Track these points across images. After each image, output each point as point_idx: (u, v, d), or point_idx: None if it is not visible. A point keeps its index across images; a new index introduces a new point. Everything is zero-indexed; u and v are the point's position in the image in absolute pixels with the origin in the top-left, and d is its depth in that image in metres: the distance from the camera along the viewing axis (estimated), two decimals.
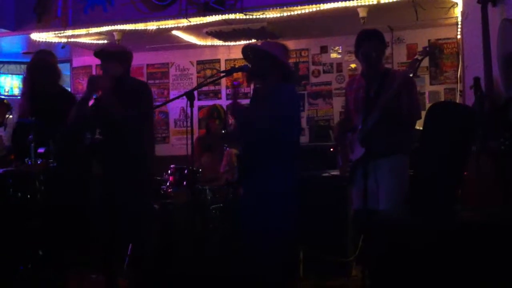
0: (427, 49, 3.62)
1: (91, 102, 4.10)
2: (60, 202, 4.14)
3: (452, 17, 5.66)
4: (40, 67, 4.53)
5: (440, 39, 6.40)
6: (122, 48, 4.31)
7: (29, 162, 4.17)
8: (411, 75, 3.52)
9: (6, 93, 8.19)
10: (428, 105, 6.17)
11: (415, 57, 3.59)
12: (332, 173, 4.88)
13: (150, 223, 4.35)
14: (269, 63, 3.63)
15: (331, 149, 5.16)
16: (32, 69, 4.56)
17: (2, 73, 8.46)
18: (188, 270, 4.13)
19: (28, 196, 4.06)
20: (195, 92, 3.59)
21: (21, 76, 8.46)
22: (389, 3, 5.24)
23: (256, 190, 3.59)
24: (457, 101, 5.75)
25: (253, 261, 3.50)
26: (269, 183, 3.52)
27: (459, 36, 5.32)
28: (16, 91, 8.45)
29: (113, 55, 4.12)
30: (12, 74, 8.53)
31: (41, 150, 4.19)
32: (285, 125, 3.51)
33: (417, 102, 3.77)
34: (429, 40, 6.44)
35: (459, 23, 5.23)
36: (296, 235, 3.65)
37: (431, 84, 6.54)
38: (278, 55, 3.63)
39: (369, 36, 3.72)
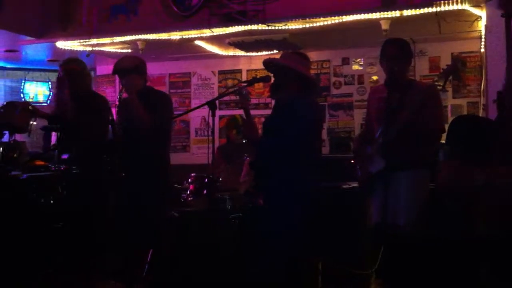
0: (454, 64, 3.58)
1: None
2: (82, 207, 4.19)
3: (476, 31, 5.62)
4: (71, 75, 4.60)
5: (463, 53, 6.36)
6: (139, 59, 4.36)
7: (53, 168, 4.23)
8: (439, 87, 3.48)
9: (30, 100, 8.31)
10: (450, 118, 6.11)
11: (443, 69, 3.55)
12: (352, 184, 4.86)
13: (167, 228, 4.41)
14: (288, 76, 3.65)
15: (352, 161, 5.15)
16: (63, 77, 4.63)
17: (27, 80, 8.60)
18: (204, 277, 4.15)
19: (51, 201, 4.12)
20: (217, 102, 3.61)
21: (46, 84, 8.62)
22: (412, 16, 5.22)
23: (268, 195, 3.67)
24: (480, 115, 5.70)
25: (264, 263, 3.55)
26: (281, 189, 3.55)
27: (482, 50, 5.28)
28: (41, 98, 8.58)
29: (135, 69, 4.20)
30: (37, 81, 8.67)
31: (64, 156, 4.25)
32: (298, 138, 3.54)
33: (441, 115, 3.75)
34: (452, 53, 6.40)
35: (483, 36, 5.19)
36: (309, 240, 3.67)
37: (453, 97, 6.48)
38: (296, 67, 3.65)
39: (392, 43, 3.72)
